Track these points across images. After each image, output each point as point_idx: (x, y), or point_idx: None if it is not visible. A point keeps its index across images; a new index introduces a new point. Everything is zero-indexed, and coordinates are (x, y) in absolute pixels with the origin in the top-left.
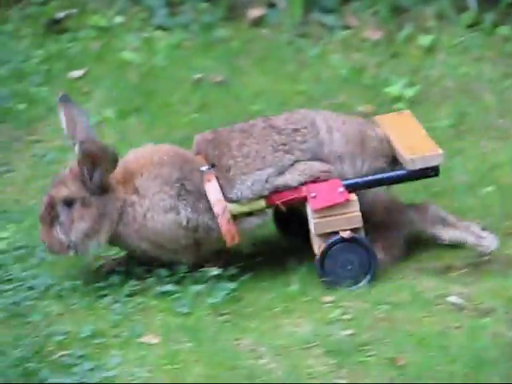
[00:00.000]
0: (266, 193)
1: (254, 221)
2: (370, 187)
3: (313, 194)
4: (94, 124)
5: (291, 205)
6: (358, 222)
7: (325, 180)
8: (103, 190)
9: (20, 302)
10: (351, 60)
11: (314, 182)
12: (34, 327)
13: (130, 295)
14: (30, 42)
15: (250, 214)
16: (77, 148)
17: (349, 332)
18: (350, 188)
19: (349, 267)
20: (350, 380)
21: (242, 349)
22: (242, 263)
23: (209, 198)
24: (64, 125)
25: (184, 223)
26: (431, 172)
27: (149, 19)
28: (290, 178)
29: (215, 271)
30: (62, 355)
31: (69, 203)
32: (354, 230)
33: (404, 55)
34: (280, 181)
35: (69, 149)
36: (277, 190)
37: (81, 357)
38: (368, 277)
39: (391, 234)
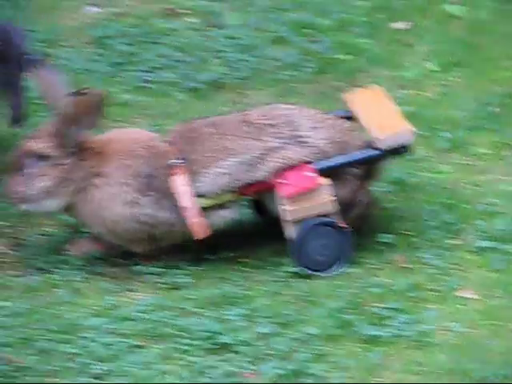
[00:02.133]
0: (233, 187)
1: (224, 214)
2: (341, 167)
3: (283, 181)
4: (414, 78)
5: (261, 192)
6: (331, 206)
7: (295, 166)
8: (77, 151)
9: None
10: None
11: (285, 168)
12: (351, 279)
13: (447, 249)
14: None
15: (220, 206)
16: (63, 100)
17: None
18: (323, 171)
19: (324, 253)
20: None
21: None
22: None
23: (176, 190)
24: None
25: (142, 219)
26: (403, 150)
27: None
28: (261, 173)
29: None
30: (378, 307)
31: (38, 158)
32: (328, 215)
33: None
34: (249, 176)
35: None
36: (247, 183)
37: (396, 310)
38: (342, 262)
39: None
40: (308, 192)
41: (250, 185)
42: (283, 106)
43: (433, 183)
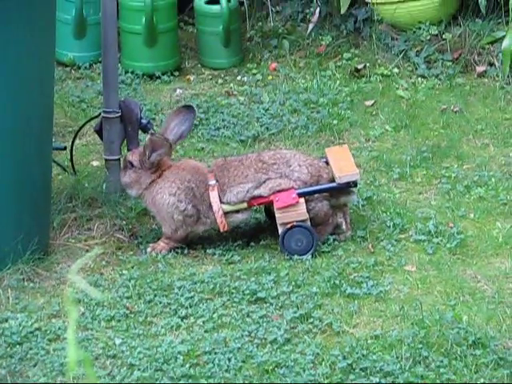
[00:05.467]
0: (246, 199)
1: (240, 216)
2: (314, 193)
3: (277, 198)
4: (377, 135)
5: (264, 204)
6: (305, 216)
7: (286, 189)
8: (151, 167)
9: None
10: None
11: (279, 191)
12: (339, 258)
13: (398, 240)
14: (340, 82)
15: (237, 211)
16: (147, 137)
17: None
18: (300, 194)
19: (299, 244)
20: None
21: (467, 276)
22: None
23: (211, 201)
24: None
25: (181, 209)
26: (352, 184)
27: (415, 71)
28: (263, 191)
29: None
30: (357, 276)
31: (131, 164)
32: (302, 221)
33: None
34: (256, 192)
35: (362, 148)
36: (254, 197)
37: (367, 277)
38: (311, 251)
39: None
40: (291, 206)
41: (255, 199)
42: (284, 151)
43: (389, 199)
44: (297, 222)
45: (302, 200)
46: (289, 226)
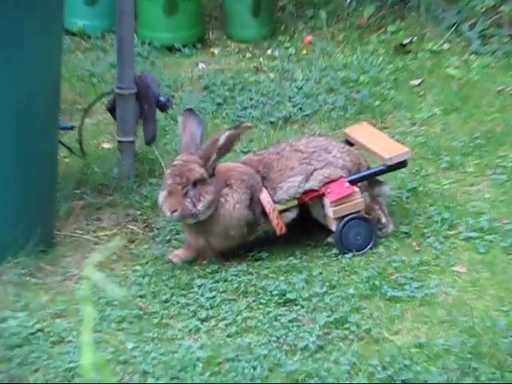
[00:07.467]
0: (298, 195)
1: (289, 215)
2: (365, 179)
3: (329, 190)
4: (425, 118)
5: (312, 199)
6: (362, 205)
7: (335, 179)
8: (213, 174)
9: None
10: None
11: (328, 182)
12: (379, 256)
13: (446, 237)
14: (383, 58)
15: (286, 210)
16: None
17: None
18: (352, 182)
19: (358, 238)
20: None
21: None
22: None
23: (262, 201)
24: (181, 131)
25: (249, 218)
26: (403, 165)
27: (467, 47)
28: (313, 184)
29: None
30: (397, 276)
31: (195, 183)
32: (359, 212)
33: None
34: (307, 186)
35: (407, 133)
36: (305, 192)
37: (411, 278)
38: (371, 243)
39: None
40: (346, 197)
41: (306, 193)
42: (315, 137)
43: (437, 191)
44: (352, 214)
45: (357, 188)
46: (345, 219)
